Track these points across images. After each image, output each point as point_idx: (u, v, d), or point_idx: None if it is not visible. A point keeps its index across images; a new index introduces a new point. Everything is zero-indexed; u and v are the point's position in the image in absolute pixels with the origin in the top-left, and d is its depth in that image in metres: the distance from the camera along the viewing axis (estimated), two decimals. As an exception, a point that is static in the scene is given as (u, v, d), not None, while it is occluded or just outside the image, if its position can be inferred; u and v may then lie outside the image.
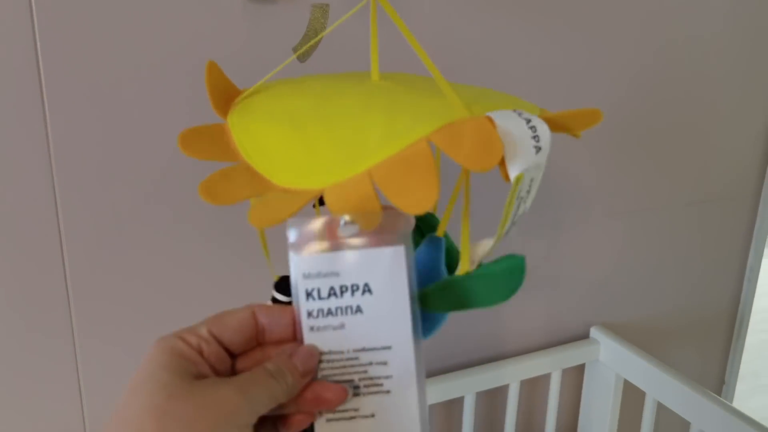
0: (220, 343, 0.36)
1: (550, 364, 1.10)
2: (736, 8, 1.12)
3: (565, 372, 1.17)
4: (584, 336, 1.17)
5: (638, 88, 1.08)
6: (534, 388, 1.16)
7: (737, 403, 1.58)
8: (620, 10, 1.02)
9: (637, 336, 1.24)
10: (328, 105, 0.41)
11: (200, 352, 0.34)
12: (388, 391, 0.36)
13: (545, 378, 1.15)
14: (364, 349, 0.36)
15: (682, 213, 1.21)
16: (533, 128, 0.34)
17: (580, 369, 1.19)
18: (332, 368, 0.36)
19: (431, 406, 1.07)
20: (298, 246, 0.36)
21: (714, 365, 1.40)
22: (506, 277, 0.39)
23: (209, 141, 0.41)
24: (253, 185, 0.38)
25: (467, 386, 1.03)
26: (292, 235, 0.36)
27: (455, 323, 1.04)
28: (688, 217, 1.22)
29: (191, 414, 0.31)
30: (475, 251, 0.40)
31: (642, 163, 1.13)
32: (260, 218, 0.35)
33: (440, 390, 1.00)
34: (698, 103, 1.15)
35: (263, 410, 0.33)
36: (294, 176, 0.38)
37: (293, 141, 0.39)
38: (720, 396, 1.43)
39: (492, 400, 1.13)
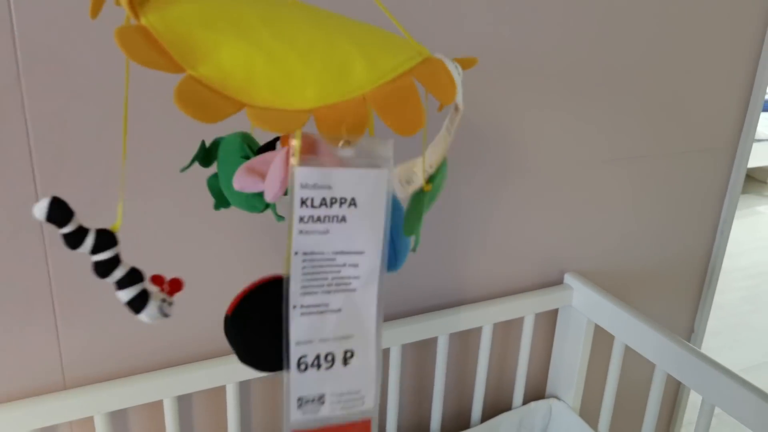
0: None
1: (524, 308, 1.12)
2: (723, -44, 1.11)
3: (539, 316, 1.19)
4: (559, 282, 1.19)
5: (622, 40, 1.07)
6: (508, 331, 1.19)
7: (709, 355, 1.63)
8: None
9: (611, 283, 1.27)
10: (273, 20, 0.40)
11: None
12: (354, 290, 0.41)
13: (519, 321, 1.18)
14: (342, 252, 0.40)
15: (658, 163, 1.22)
16: (457, 68, 0.41)
17: (554, 313, 1.21)
18: (313, 266, 0.40)
19: (405, 346, 1.09)
20: (300, 159, 0.39)
21: (684, 314, 1.43)
22: (443, 174, 0.46)
23: (147, 45, 0.37)
24: (231, 101, 0.38)
25: (441, 327, 1.05)
26: (294, 148, 0.39)
27: (433, 266, 1.05)
28: (664, 168, 1.23)
29: None
30: (427, 164, 0.46)
31: (620, 112, 1.13)
32: (265, 120, 0.36)
33: (414, 330, 1.02)
34: (680, 55, 1.15)
35: None
36: (274, 96, 0.38)
37: (254, 57, 0.38)
38: (689, 342, 1.48)
39: (466, 342, 1.15)
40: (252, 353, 0.44)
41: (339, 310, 0.41)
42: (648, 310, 1.35)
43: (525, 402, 1.22)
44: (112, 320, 0.86)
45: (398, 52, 0.41)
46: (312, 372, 0.41)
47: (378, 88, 0.39)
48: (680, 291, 1.40)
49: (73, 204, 0.39)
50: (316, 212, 0.39)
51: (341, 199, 0.40)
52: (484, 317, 1.08)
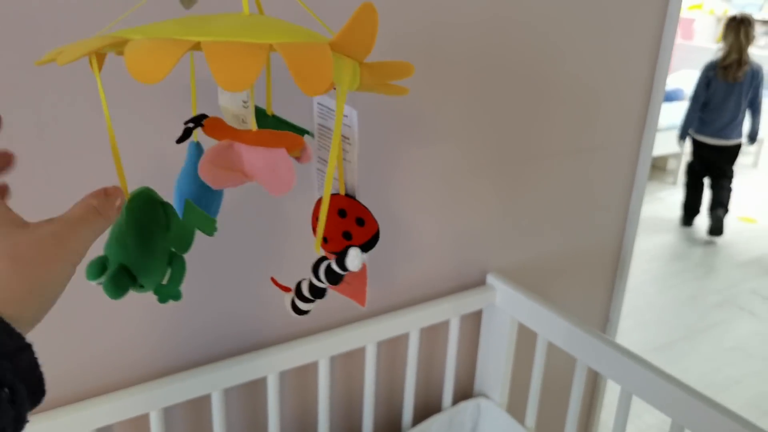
0: None
1: (449, 311, 1.13)
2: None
3: (463, 318, 1.21)
4: (481, 282, 1.21)
5: (525, 42, 1.10)
6: (434, 334, 1.20)
7: (622, 338, 1.70)
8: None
9: (530, 279, 1.30)
10: (210, 22, 0.41)
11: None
12: (349, 162, 0.52)
13: (444, 324, 1.19)
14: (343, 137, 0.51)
15: (569, 159, 1.26)
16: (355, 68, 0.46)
17: (478, 314, 1.23)
18: (327, 138, 0.53)
19: (334, 357, 1.08)
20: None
21: (599, 304, 1.49)
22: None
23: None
24: (182, 42, 0.38)
25: (368, 336, 1.04)
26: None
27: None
28: (575, 164, 1.27)
29: (31, 254, 0.36)
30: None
31: (530, 112, 1.16)
32: (225, 57, 0.35)
33: (341, 341, 1.01)
34: (582, 56, 1.19)
35: (90, 244, 0.39)
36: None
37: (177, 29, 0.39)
38: (604, 331, 1.54)
39: (393, 349, 1.15)
40: None
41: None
42: (567, 302, 1.40)
43: (454, 402, 1.23)
44: (87, 336, 0.84)
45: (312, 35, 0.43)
46: None
47: (288, 42, 0.39)
48: (595, 282, 1.45)
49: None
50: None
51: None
52: (410, 323, 1.08)
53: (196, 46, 0.35)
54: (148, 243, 0.48)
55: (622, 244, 1.44)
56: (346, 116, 0.50)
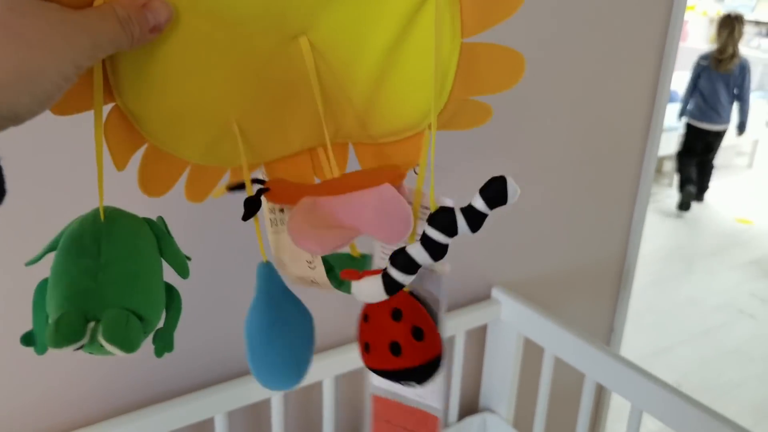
0: None
1: (455, 327, 1.12)
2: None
3: (469, 333, 1.19)
4: (486, 296, 1.19)
5: (529, 53, 1.08)
6: (439, 350, 1.18)
7: (624, 342, 1.69)
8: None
9: (536, 292, 1.29)
10: None
11: None
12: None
13: (450, 340, 1.17)
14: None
15: (572, 173, 1.25)
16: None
17: (483, 329, 1.22)
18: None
19: (338, 377, 1.06)
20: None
21: (603, 313, 1.48)
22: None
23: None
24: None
25: (374, 355, 1.02)
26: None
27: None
28: (578, 177, 1.26)
29: (33, 35, 0.29)
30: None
31: (530, 126, 1.15)
32: None
33: (346, 360, 0.99)
34: (585, 69, 1.18)
35: (101, 55, 0.33)
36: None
37: None
38: (609, 340, 1.53)
39: (399, 365, 1.13)
40: None
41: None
42: (572, 314, 1.39)
43: (460, 418, 1.22)
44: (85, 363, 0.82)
45: None
46: None
47: None
48: (599, 292, 1.44)
49: None
50: None
51: None
52: (416, 340, 1.07)
53: None
54: (143, 267, 0.40)
55: (626, 254, 1.43)
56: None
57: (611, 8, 1.16)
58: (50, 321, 0.36)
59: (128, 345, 0.36)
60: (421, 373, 0.38)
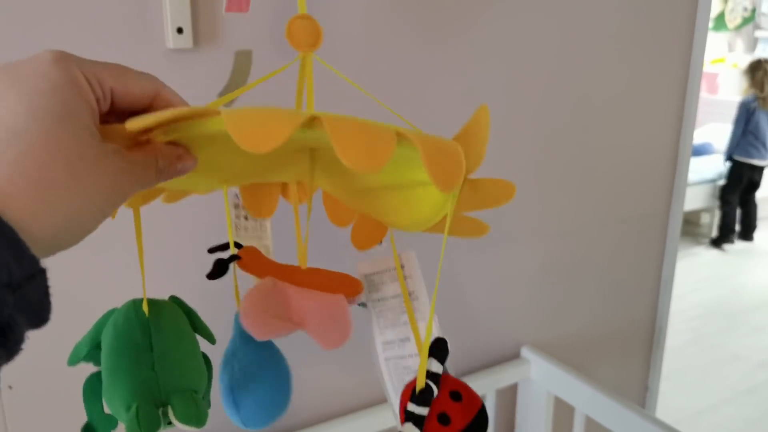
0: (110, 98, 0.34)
1: (485, 386, 1.13)
2: (637, 42, 1.20)
3: (499, 392, 1.20)
4: (515, 356, 1.21)
5: (555, 125, 1.13)
6: (470, 409, 1.19)
7: (662, 402, 1.66)
8: (534, 49, 1.07)
9: (565, 351, 1.30)
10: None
11: (97, 102, 0.32)
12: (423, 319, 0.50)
13: (480, 399, 1.18)
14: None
15: (599, 233, 1.27)
16: None
17: (513, 388, 1.23)
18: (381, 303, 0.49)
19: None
20: None
21: (637, 373, 1.47)
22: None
23: None
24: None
25: (405, 414, 1.04)
26: None
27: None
28: (605, 236, 1.29)
29: (91, 182, 0.30)
30: None
31: (562, 188, 1.19)
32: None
33: (378, 420, 1.02)
34: (610, 132, 1.22)
35: (132, 194, 0.34)
36: None
37: None
38: (644, 401, 1.51)
39: (430, 425, 1.15)
40: None
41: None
42: (604, 373, 1.38)
43: (493, 479, 1.21)
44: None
45: None
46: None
47: None
48: (632, 351, 1.44)
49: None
50: None
51: None
52: (446, 400, 1.08)
53: (311, 123, 0.30)
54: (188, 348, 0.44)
55: (657, 311, 1.43)
56: (403, 266, 0.43)
57: (631, 67, 1.21)
58: (125, 415, 0.40)
59: (202, 420, 0.40)
60: (473, 428, 0.40)
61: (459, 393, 0.42)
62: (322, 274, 0.43)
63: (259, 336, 0.41)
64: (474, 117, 0.35)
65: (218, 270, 0.46)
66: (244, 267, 0.45)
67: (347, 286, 0.42)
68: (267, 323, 0.40)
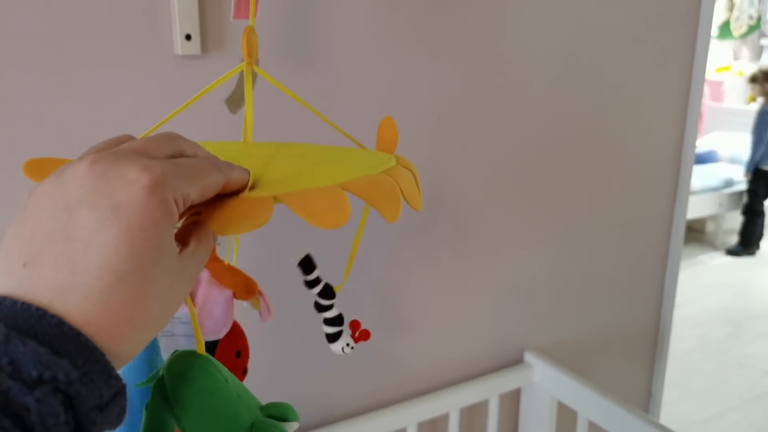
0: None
1: (488, 390, 1.14)
2: (643, 46, 1.21)
3: (502, 397, 1.21)
4: (518, 361, 1.21)
5: (559, 129, 1.14)
6: (473, 414, 1.20)
7: (668, 409, 1.66)
8: (537, 55, 1.08)
9: (569, 356, 1.30)
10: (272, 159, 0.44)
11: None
12: None
13: (484, 404, 1.19)
14: None
15: (602, 237, 1.28)
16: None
17: (516, 393, 1.23)
18: None
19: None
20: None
21: (640, 378, 1.47)
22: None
23: None
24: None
25: (408, 417, 1.05)
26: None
27: (392, 358, 1.06)
28: (608, 241, 1.29)
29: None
30: None
31: (563, 192, 1.20)
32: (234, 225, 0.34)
33: (383, 423, 1.02)
34: (613, 138, 1.23)
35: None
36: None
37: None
38: (648, 406, 1.51)
39: (433, 429, 1.15)
40: None
41: None
42: (607, 378, 1.39)
43: (496, 483, 1.22)
44: None
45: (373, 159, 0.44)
46: None
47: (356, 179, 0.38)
48: (635, 356, 1.44)
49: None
50: None
51: None
52: (449, 404, 1.09)
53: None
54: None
55: (661, 316, 1.43)
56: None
57: (635, 74, 1.22)
58: None
59: None
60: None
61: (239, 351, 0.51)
62: (230, 270, 0.47)
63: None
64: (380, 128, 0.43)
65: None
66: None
67: (241, 286, 0.46)
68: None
